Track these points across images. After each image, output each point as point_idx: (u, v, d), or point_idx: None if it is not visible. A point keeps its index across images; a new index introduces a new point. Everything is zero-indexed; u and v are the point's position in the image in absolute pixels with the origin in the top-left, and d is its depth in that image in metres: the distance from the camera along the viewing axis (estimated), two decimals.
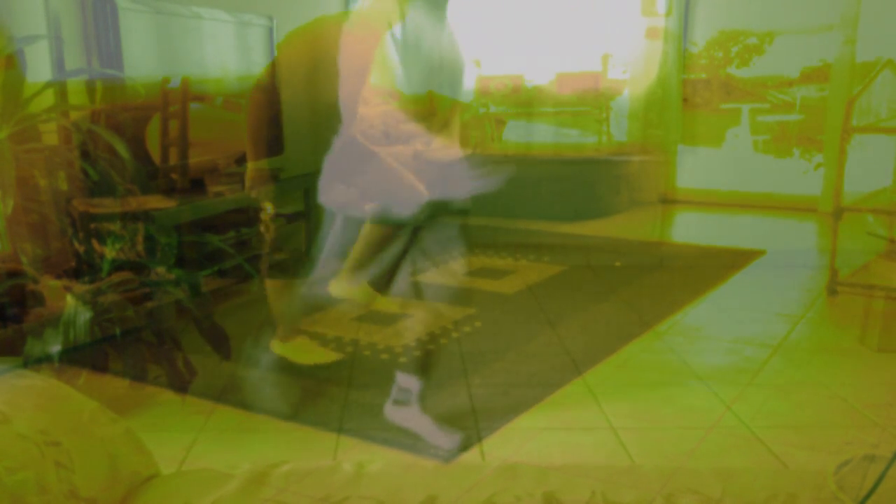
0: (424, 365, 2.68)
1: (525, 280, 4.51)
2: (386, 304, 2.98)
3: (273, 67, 2.98)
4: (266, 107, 2.95)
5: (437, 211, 2.50)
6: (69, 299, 2.61)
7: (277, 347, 3.11)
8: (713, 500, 1.39)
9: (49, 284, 2.84)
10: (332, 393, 2.97)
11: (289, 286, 3.09)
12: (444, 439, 2.54)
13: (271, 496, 1.43)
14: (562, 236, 5.77)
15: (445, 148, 2.56)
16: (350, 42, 2.53)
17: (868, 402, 2.76)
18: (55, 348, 2.47)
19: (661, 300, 4.06)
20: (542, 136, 7.24)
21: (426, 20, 2.47)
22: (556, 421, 2.70)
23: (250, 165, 3.02)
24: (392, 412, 2.67)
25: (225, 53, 4.83)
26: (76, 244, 3.05)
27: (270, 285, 3.19)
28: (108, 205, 3.23)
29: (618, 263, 4.90)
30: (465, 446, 2.53)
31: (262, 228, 3.42)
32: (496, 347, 3.41)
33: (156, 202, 3.57)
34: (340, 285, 2.95)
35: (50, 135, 3.45)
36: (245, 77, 4.95)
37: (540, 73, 7.19)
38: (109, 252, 2.92)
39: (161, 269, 2.94)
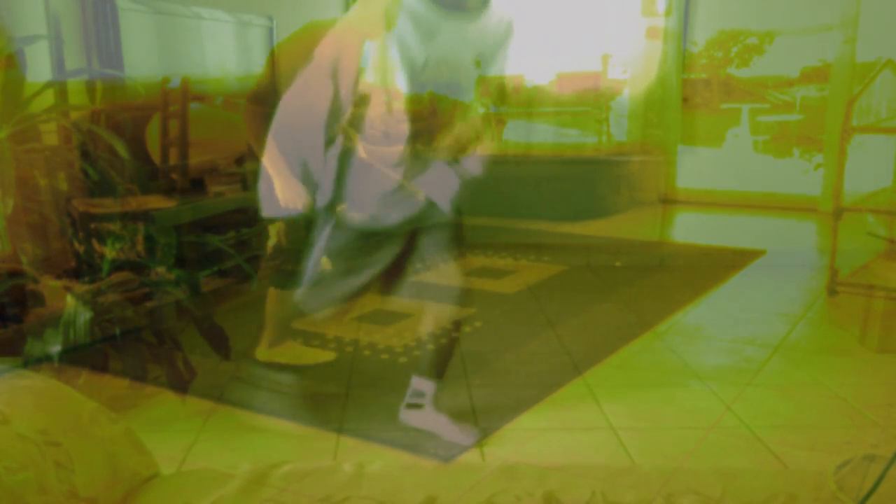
0: (436, 366, 2.68)
1: (525, 280, 4.51)
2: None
3: (265, 77, 2.99)
4: (262, 117, 2.97)
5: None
6: (69, 299, 2.61)
7: (264, 354, 3.17)
8: (713, 500, 1.39)
9: (49, 284, 2.84)
10: (332, 393, 2.97)
11: (286, 295, 3.12)
12: (461, 435, 2.56)
13: (271, 496, 1.43)
14: (562, 236, 5.77)
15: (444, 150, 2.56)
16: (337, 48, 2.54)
17: (868, 402, 2.76)
18: (55, 348, 2.46)
19: (661, 300, 4.06)
20: (542, 136, 7.24)
21: (431, 22, 2.48)
22: (556, 421, 2.70)
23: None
24: (408, 416, 2.67)
25: (225, 53, 4.83)
26: (76, 244, 3.06)
27: (272, 293, 3.22)
28: (108, 205, 3.24)
29: (618, 263, 4.90)
30: (478, 441, 2.55)
31: (276, 237, 3.44)
32: (496, 347, 3.41)
33: (156, 202, 3.57)
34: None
35: (50, 135, 3.45)
36: (245, 77, 4.95)
37: (540, 73, 7.19)
38: (109, 252, 2.92)
39: (161, 269, 2.95)
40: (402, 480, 1.50)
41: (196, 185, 4.09)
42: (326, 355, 3.33)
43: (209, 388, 2.96)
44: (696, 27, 6.83)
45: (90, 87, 3.98)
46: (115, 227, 3.02)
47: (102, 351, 2.62)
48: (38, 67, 3.70)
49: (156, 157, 4.03)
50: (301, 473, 1.51)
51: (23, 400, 1.39)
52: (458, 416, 2.73)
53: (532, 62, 7.14)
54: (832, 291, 4.02)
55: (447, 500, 1.41)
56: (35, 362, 2.44)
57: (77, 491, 1.29)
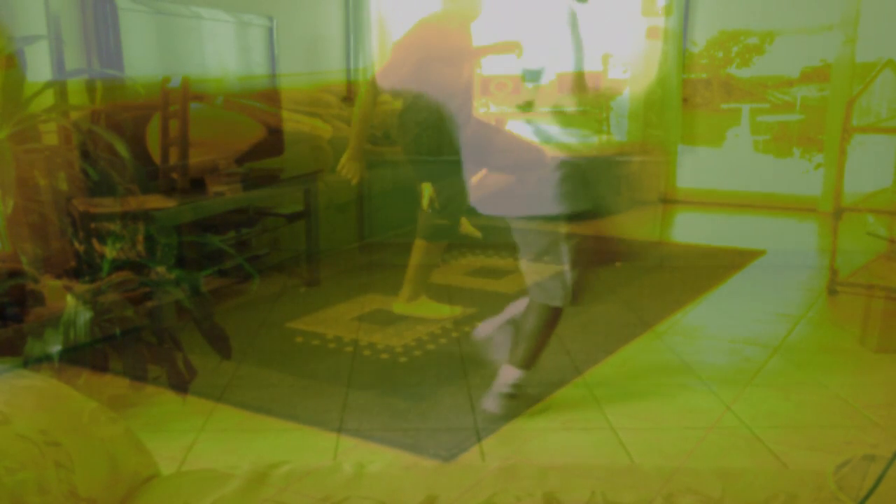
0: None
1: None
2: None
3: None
4: (373, 100, 3.37)
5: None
6: (69, 299, 2.61)
7: (401, 307, 3.54)
8: (713, 500, 1.39)
9: (49, 284, 2.84)
10: (332, 393, 2.97)
11: (434, 248, 3.31)
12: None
13: (271, 496, 1.43)
14: None
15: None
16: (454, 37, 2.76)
17: (868, 402, 2.76)
18: (55, 348, 2.46)
19: (661, 300, 4.06)
20: (542, 135, 7.23)
21: None
22: (556, 421, 2.70)
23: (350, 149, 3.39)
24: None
25: (225, 53, 4.83)
26: (76, 244, 3.05)
27: (419, 245, 3.48)
28: (108, 205, 3.23)
29: (618, 263, 4.90)
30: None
31: (431, 193, 3.53)
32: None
33: (156, 202, 3.57)
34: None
35: (50, 135, 3.45)
36: (245, 77, 4.94)
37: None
38: (109, 252, 2.92)
39: (161, 269, 2.94)
40: (402, 480, 1.50)
41: (196, 185, 4.09)
42: (454, 310, 3.62)
43: (209, 388, 2.97)
44: (696, 27, 6.84)
45: (90, 87, 3.98)
46: (115, 226, 3.02)
47: (102, 351, 2.62)
48: (38, 67, 3.70)
49: (156, 156, 4.03)
50: (301, 473, 1.51)
51: (23, 400, 1.39)
52: (458, 416, 2.73)
53: (532, 62, 7.14)
54: (832, 291, 4.02)
55: (447, 500, 1.41)
56: (35, 362, 2.44)
57: (77, 491, 1.29)
